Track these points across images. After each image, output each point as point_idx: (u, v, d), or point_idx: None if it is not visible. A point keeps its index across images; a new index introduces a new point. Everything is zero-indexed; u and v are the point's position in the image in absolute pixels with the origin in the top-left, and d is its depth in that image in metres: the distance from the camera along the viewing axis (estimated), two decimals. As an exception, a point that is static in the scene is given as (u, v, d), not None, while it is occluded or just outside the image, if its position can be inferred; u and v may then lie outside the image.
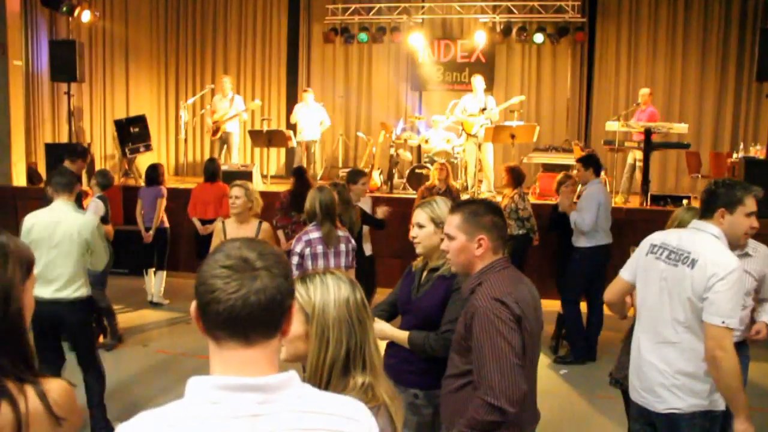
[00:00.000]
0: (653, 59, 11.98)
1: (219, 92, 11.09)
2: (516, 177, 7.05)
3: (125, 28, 13.06)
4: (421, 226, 3.14)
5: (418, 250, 3.18)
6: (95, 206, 6.54)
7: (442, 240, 2.74)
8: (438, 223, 3.05)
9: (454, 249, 2.61)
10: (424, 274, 3.20)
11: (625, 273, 3.19)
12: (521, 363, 2.39)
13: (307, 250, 4.43)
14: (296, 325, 1.78)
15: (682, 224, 3.39)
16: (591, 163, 6.59)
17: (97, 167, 11.39)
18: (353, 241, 4.75)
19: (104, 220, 6.33)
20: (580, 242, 6.40)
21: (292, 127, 10.94)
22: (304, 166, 9.73)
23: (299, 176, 7.37)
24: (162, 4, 13.70)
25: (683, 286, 2.83)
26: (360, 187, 6.43)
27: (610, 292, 3.24)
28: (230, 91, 11.07)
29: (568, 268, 6.58)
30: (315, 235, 4.46)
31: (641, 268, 3.08)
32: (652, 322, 2.99)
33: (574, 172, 7.04)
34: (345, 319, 1.79)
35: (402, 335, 3.10)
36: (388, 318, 3.34)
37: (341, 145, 12.22)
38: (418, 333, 3.06)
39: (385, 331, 3.14)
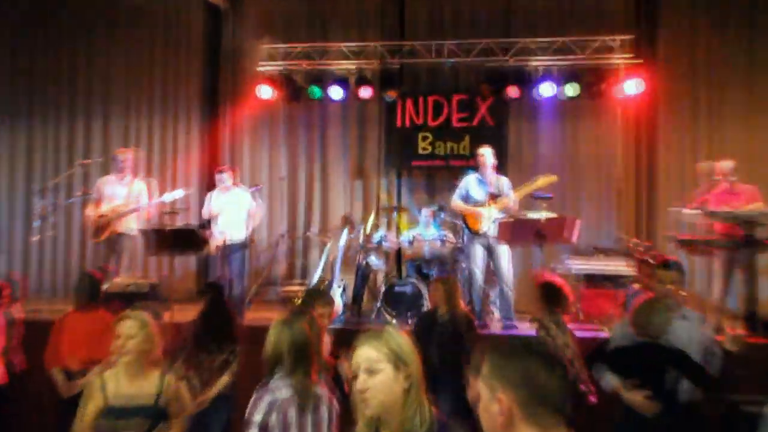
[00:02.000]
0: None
1: (112, 172, 8.63)
2: (551, 295, 5.94)
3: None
4: (371, 372, 2.48)
5: (371, 408, 2.45)
6: None
7: (406, 390, 2.40)
8: (399, 364, 2.52)
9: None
10: None
11: None
12: None
13: (273, 418, 3.38)
14: None
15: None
16: None
17: None
18: (335, 400, 3.77)
19: None
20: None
21: (205, 224, 8.75)
22: (221, 281, 8.30)
23: (213, 296, 5.87)
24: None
25: None
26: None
27: None
28: (129, 171, 8.59)
29: None
30: (282, 394, 3.43)
31: None
32: None
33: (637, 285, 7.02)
34: None
35: None
36: None
37: (285, 250, 10.33)
38: None
39: None
